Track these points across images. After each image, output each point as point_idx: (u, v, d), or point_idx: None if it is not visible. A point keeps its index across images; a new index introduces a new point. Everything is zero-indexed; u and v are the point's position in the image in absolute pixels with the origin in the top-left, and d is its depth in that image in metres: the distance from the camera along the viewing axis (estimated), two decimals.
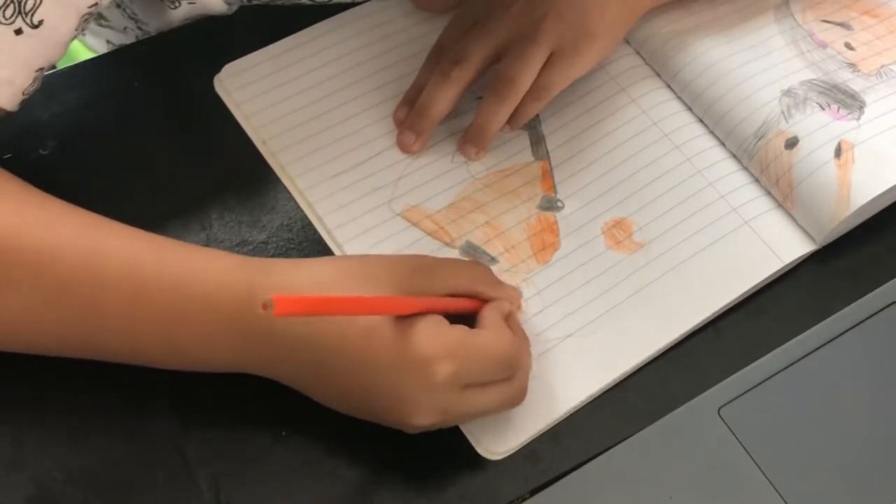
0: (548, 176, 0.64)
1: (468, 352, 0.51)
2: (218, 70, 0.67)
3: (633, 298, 0.60)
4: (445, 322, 0.52)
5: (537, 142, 0.65)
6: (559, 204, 0.63)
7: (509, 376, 0.53)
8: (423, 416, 0.52)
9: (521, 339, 0.55)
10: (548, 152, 0.65)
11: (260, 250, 0.61)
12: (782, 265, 0.60)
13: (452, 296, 0.54)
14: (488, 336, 0.53)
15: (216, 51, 0.68)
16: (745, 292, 0.60)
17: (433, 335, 0.51)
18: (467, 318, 0.54)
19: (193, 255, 0.53)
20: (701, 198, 0.63)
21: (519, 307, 0.59)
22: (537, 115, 0.65)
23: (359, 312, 0.50)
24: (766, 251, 0.61)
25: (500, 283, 0.57)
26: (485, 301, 0.55)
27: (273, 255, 0.61)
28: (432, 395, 0.51)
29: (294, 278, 0.52)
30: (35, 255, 0.51)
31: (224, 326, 0.52)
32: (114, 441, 0.55)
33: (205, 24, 0.69)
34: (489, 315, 0.54)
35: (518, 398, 0.54)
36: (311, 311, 0.47)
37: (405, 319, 0.51)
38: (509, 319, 0.55)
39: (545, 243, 0.62)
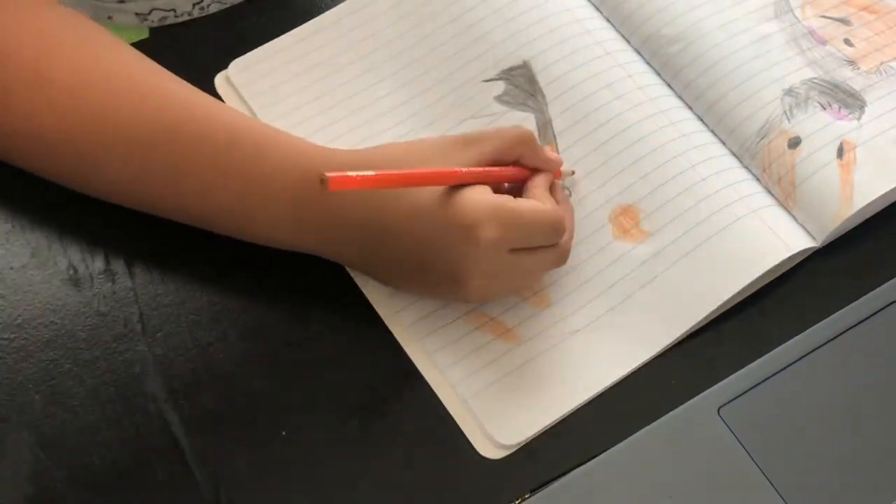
0: None
1: (511, 216, 0.54)
2: (216, 68, 0.67)
3: (643, 291, 0.60)
4: (488, 190, 0.55)
5: (544, 125, 0.65)
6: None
7: (553, 242, 0.57)
8: (475, 281, 0.55)
9: (564, 206, 0.59)
10: (555, 136, 0.64)
11: (262, 250, 0.61)
12: (791, 253, 0.60)
13: (499, 164, 0.58)
14: (531, 204, 0.56)
15: (216, 49, 0.68)
16: (756, 280, 0.59)
17: (477, 202, 0.54)
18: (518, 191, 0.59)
19: (266, 131, 0.58)
20: (707, 186, 0.62)
21: (561, 174, 0.62)
22: (543, 98, 0.65)
23: (407, 184, 0.54)
24: (774, 239, 0.60)
25: (541, 150, 0.60)
26: (530, 168, 0.59)
27: (278, 252, 0.61)
28: (480, 258, 0.54)
29: (354, 161, 0.57)
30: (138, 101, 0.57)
31: (289, 204, 0.56)
32: (114, 440, 0.55)
33: (204, 24, 0.69)
34: (534, 186, 0.58)
35: (562, 260, 0.59)
36: (363, 185, 0.52)
37: (450, 191, 0.54)
38: (554, 189, 0.59)
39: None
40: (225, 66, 0.67)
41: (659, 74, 0.67)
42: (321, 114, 0.65)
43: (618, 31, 0.68)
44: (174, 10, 0.71)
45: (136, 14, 0.70)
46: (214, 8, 0.71)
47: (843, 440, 0.56)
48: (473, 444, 0.56)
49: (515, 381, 0.57)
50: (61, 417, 0.55)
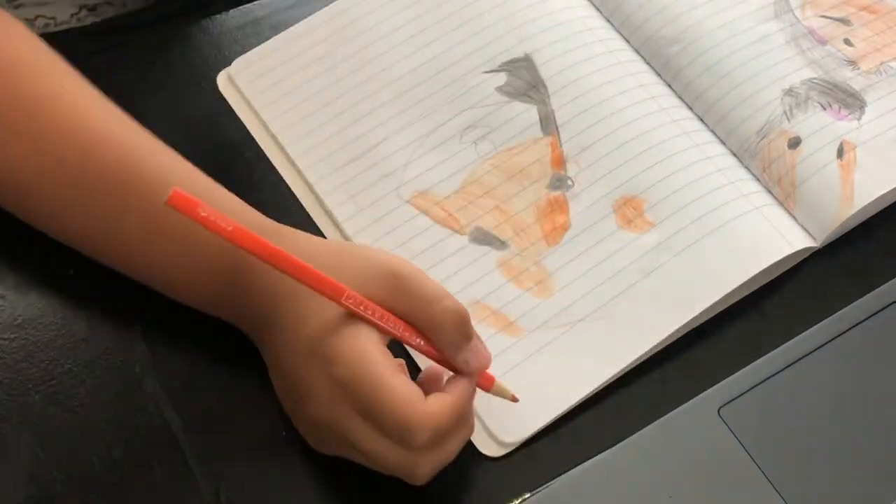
0: (557, 152, 0.63)
1: (366, 379, 0.48)
2: (218, 67, 0.67)
3: (646, 280, 0.59)
4: (378, 340, 0.50)
5: (546, 117, 0.65)
6: (569, 182, 0.62)
7: (401, 444, 0.49)
8: (313, 413, 0.51)
9: (461, 427, 0.51)
10: (557, 127, 0.64)
11: None
12: (793, 250, 0.60)
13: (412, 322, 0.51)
14: (401, 390, 0.48)
15: (218, 47, 0.68)
16: (757, 276, 0.59)
17: (351, 339, 0.49)
18: None
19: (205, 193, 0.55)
20: (710, 181, 0.62)
21: (481, 379, 0.53)
22: (546, 90, 0.65)
23: (262, 255, 0.48)
24: (776, 235, 0.60)
25: (467, 348, 0.52)
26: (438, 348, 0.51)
27: None
28: (329, 397, 0.50)
29: (276, 232, 0.54)
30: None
31: (219, 279, 0.54)
32: (113, 441, 0.55)
33: (202, 21, 0.69)
34: (459, 391, 0.51)
35: (409, 474, 0.51)
36: (203, 219, 0.47)
37: (348, 319, 0.50)
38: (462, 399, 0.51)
39: (555, 224, 0.61)
40: (227, 65, 0.67)
41: (659, 75, 0.67)
42: (322, 109, 0.65)
43: (618, 31, 0.69)
44: (55, 18, 0.72)
45: (26, 19, 0.70)
46: (90, 20, 0.72)
47: (843, 440, 0.56)
48: (474, 442, 0.55)
49: (518, 378, 0.57)
50: (61, 417, 0.55)
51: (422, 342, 0.51)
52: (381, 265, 0.51)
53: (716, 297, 0.58)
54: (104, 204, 0.56)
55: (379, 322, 0.50)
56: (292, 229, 0.55)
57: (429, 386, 0.52)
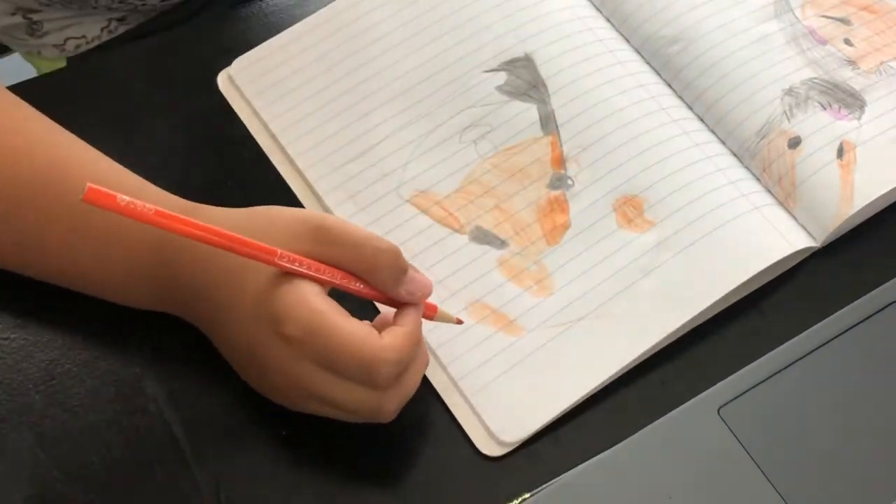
0: (557, 151, 0.63)
1: (321, 328, 0.49)
2: (218, 67, 0.67)
3: (647, 279, 0.59)
4: (321, 292, 0.50)
5: (546, 116, 0.65)
6: (569, 181, 0.62)
7: (365, 383, 0.50)
8: (274, 378, 0.51)
9: (417, 357, 0.53)
10: (557, 127, 0.64)
11: None
12: (793, 249, 0.60)
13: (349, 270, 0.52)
14: (355, 329, 0.49)
15: (218, 48, 0.68)
16: (758, 276, 0.59)
17: (295, 295, 0.49)
18: None
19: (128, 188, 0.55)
20: (710, 181, 0.62)
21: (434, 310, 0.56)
22: (546, 89, 0.65)
23: (182, 230, 0.48)
24: (776, 235, 0.60)
25: (407, 280, 0.53)
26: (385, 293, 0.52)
27: None
28: (285, 358, 0.50)
29: (211, 217, 0.53)
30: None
31: (146, 270, 0.54)
32: (114, 441, 0.55)
33: (202, 22, 0.69)
34: (410, 320, 0.52)
35: (379, 413, 0.51)
36: (122, 209, 0.46)
37: (283, 277, 0.50)
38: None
39: (555, 223, 0.61)
40: (227, 65, 0.67)
41: (659, 74, 0.67)
42: (322, 108, 0.65)
43: (618, 31, 0.69)
44: (85, 36, 0.72)
45: (54, 45, 0.70)
46: (121, 30, 0.72)
47: (844, 440, 0.56)
48: (474, 442, 0.56)
49: (519, 377, 0.57)
50: (61, 417, 0.55)
51: (361, 286, 0.52)
52: (304, 221, 0.51)
53: (716, 297, 0.58)
54: (27, 213, 0.55)
55: (316, 274, 0.50)
56: (209, 206, 0.55)
57: (382, 330, 0.52)
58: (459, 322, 0.57)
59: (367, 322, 0.51)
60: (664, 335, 0.58)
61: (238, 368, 0.55)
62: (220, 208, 0.55)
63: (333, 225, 0.51)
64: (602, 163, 0.63)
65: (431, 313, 0.56)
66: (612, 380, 0.57)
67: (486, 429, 0.56)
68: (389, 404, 0.52)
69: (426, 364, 0.55)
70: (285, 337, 0.50)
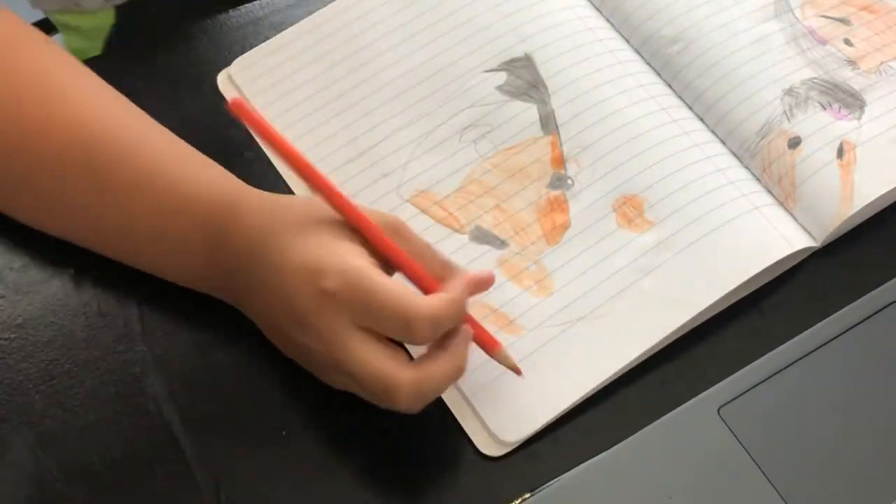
0: (557, 151, 0.63)
1: (361, 284, 0.50)
2: (218, 67, 0.67)
3: (647, 279, 0.59)
4: (364, 255, 0.51)
5: (546, 116, 0.65)
6: (569, 181, 0.62)
7: (408, 341, 0.52)
8: (310, 342, 0.51)
9: (450, 316, 0.52)
10: (557, 126, 0.64)
11: None
12: (793, 249, 0.60)
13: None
14: (395, 287, 0.50)
15: (218, 47, 0.68)
16: (758, 276, 0.59)
17: (337, 253, 0.51)
18: None
19: (188, 166, 0.57)
20: (710, 181, 0.62)
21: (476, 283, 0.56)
22: (546, 89, 0.65)
23: (300, 170, 0.52)
24: (776, 235, 0.60)
25: (416, 243, 0.54)
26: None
27: None
28: (321, 312, 0.50)
29: (260, 199, 0.55)
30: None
31: (200, 246, 0.55)
32: (113, 441, 0.55)
33: (202, 21, 0.69)
34: (456, 285, 0.53)
35: (396, 391, 0.51)
36: (258, 126, 0.51)
37: (330, 236, 0.52)
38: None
39: (555, 223, 0.61)
40: (227, 65, 0.67)
41: (659, 74, 0.67)
42: (322, 108, 0.65)
43: (618, 31, 0.69)
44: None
45: None
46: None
47: (844, 440, 0.56)
48: (474, 442, 0.56)
49: (518, 376, 0.57)
50: (61, 417, 0.55)
51: (418, 268, 0.53)
52: (383, 215, 0.54)
53: (716, 297, 0.58)
54: (86, 186, 0.56)
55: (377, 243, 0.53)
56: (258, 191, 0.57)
57: None
58: (518, 372, 0.56)
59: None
60: (664, 335, 0.58)
61: (276, 339, 0.55)
62: (255, 190, 0.57)
63: (404, 224, 0.54)
64: (602, 163, 0.63)
65: (493, 349, 0.55)
66: (611, 380, 0.57)
67: (486, 428, 0.56)
68: (409, 386, 0.51)
69: (458, 369, 0.53)
70: (325, 291, 0.50)
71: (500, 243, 0.61)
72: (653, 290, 0.59)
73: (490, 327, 0.58)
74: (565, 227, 0.61)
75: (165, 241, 0.56)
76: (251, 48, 0.68)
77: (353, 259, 0.51)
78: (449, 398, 0.57)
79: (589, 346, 0.58)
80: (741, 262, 0.59)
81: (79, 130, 0.56)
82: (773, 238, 0.60)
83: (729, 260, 0.60)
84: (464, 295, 0.53)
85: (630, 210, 0.61)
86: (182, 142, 0.59)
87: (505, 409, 0.56)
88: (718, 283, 0.59)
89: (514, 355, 0.57)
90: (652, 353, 0.58)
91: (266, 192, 0.57)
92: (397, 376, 0.50)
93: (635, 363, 0.58)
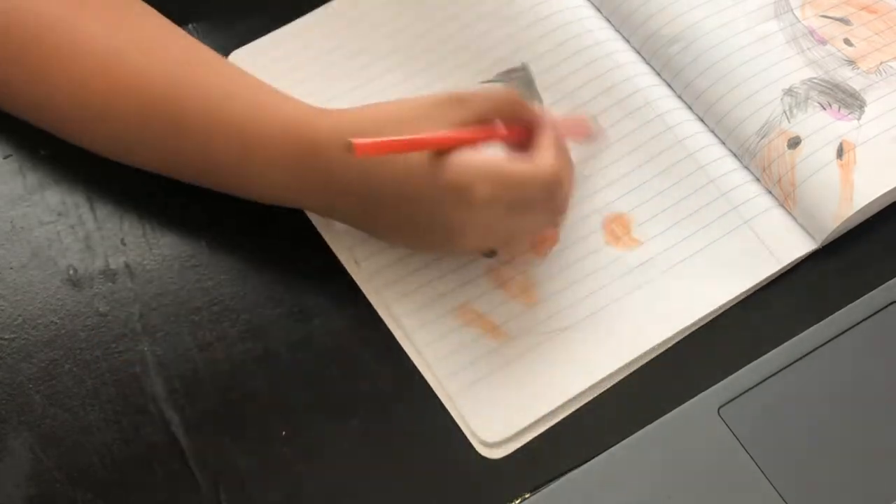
0: None
1: (503, 177, 0.55)
2: None
3: (630, 297, 0.60)
4: (481, 150, 0.55)
5: None
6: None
7: (550, 200, 0.57)
8: (470, 238, 0.57)
9: (564, 160, 0.58)
10: None
11: (264, 249, 0.61)
12: (779, 267, 0.60)
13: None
14: (524, 164, 0.55)
15: (217, 40, 0.68)
16: (743, 293, 0.60)
17: (468, 163, 0.54)
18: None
19: (263, 88, 0.59)
20: (701, 196, 0.63)
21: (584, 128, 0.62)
22: (541, 103, 0.65)
23: (426, 148, 0.54)
24: (764, 252, 0.61)
25: (530, 108, 0.59)
26: (525, 121, 0.58)
27: (279, 252, 0.61)
28: (475, 217, 0.55)
29: (348, 120, 0.57)
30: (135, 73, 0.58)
31: (287, 166, 0.57)
32: (114, 441, 0.55)
33: (203, 13, 0.69)
34: (543, 141, 0.57)
35: (560, 213, 0.59)
36: (390, 149, 0.53)
37: (443, 153, 0.54)
38: (555, 143, 0.57)
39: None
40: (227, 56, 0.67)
41: (659, 75, 0.67)
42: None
43: (617, 31, 0.68)
44: None
45: None
46: None
47: (843, 440, 0.56)
48: (473, 443, 0.56)
49: (500, 380, 0.57)
50: (61, 417, 0.55)
51: (504, 130, 0.57)
52: (438, 98, 0.57)
53: (699, 315, 0.59)
54: (165, 116, 0.57)
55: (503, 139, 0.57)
56: (332, 110, 0.59)
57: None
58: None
59: (517, 155, 0.57)
60: (646, 349, 0.58)
61: (404, 242, 0.60)
62: (338, 110, 0.58)
63: (460, 90, 0.57)
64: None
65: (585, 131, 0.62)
66: (594, 392, 0.57)
67: (468, 428, 0.56)
68: (565, 202, 0.58)
69: (571, 164, 0.59)
70: (476, 200, 0.54)
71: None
72: (638, 306, 0.59)
73: (475, 330, 0.59)
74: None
75: (250, 167, 0.58)
76: (252, 42, 0.68)
77: (478, 158, 0.55)
78: (448, 398, 0.57)
79: (570, 355, 0.58)
80: (725, 283, 0.60)
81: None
82: (759, 255, 0.61)
83: (713, 281, 0.60)
84: (552, 130, 0.57)
85: (618, 228, 0.62)
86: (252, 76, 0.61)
87: (486, 411, 0.56)
88: (705, 301, 0.59)
89: (498, 360, 0.58)
90: (635, 367, 0.58)
91: (348, 111, 0.58)
92: (550, 167, 0.56)
93: (619, 375, 0.58)
